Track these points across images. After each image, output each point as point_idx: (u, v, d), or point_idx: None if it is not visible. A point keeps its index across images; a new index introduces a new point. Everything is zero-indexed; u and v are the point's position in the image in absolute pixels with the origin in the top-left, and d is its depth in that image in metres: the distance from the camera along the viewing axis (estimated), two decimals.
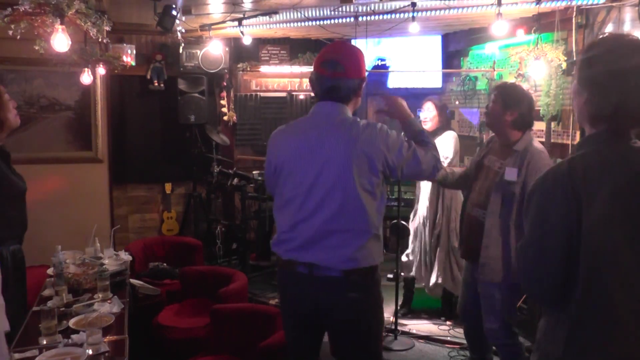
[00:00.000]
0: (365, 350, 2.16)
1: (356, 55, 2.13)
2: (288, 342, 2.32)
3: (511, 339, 2.77)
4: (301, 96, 5.93)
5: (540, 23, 3.98)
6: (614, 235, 1.29)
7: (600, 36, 1.48)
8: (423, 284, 4.14)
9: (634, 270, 1.29)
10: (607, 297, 1.30)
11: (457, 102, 5.51)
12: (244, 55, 5.68)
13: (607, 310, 1.30)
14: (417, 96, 4.32)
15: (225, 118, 5.63)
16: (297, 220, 2.08)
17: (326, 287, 2.06)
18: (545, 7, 3.75)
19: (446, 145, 3.91)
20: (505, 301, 2.72)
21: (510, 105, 2.70)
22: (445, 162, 3.90)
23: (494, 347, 3.08)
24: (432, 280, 4.03)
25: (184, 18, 4.43)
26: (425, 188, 4.07)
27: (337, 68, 2.07)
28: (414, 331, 4.02)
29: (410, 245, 4.15)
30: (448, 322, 4.15)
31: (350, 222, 2.05)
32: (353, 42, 5.45)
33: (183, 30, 4.68)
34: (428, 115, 3.98)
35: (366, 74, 2.19)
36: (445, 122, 4.06)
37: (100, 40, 3.09)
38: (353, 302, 2.08)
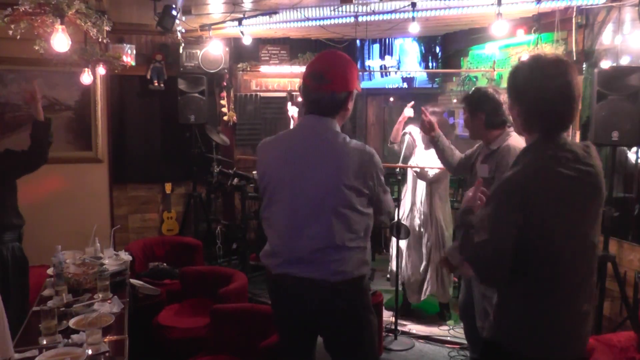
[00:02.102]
0: (360, 357, 2.18)
1: (344, 68, 2.06)
2: (282, 346, 2.33)
3: None
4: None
5: (540, 23, 3.98)
6: (555, 229, 1.57)
7: (520, 60, 1.80)
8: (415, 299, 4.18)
9: (572, 255, 1.60)
10: (551, 278, 1.60)
11: (455, 101, 5.51)
12: (244, 55, 5.68)
13: (550, 286, 1.61)
14: (417, 96, 4.32)
15: (225, 118, 5.63)
16: (285, 236, 2.08)
17: (316, 298, 2.07)
18: (545, 7, 3.75)
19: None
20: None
21: (475, 109, 2.86)
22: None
23: None
24: (425, 294, 4.11)
25: (184, 18, 4.43)
26: (415, 198, 4.13)
27: (322, 81, 2.01)
28: (414, 331, 4.03)
29: (397, 260, 4.15)
30: (448, 322, 4.16)
31: (338, 237, 2.03)
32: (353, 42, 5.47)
33: (183, 30, 4.68)
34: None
35: (358, 85, 2.13)
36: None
37: (100, 40, 3.09)
38: (343, 312, 2.09)
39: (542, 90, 1.60)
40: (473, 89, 3.12)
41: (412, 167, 4.15)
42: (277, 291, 2.21)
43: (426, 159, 4.06)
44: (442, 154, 3.22)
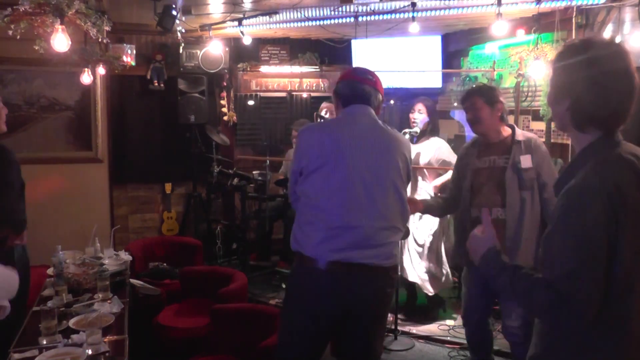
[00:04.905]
0: (381, 336, 2.34)
1: (378, 77, 2.32)
2: (292, 347, 2.21)
3: (528, 338, 2.74)
4: (304, 95, 5.92)
5: (540, 23, 3.98)
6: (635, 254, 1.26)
7: (569, 43, 1.48)
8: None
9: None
10: (626, 318, 1.30)
11: (456, 104, 5.51)
12: (244, 55, 5.68)
13: (622, 330, 1.31)
14: (417, 96, 4.32)
15: (225, 118, 5.63)
16: (345, 217, 2.06)
17: (368, 282, 2.10)
18: (545, 7, 3.75)
19: (447, 151, 4.03)
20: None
21: (495, 100, 2.84)
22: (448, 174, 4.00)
23: (497, 348, 3.09)
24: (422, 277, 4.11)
25: (183, 18, 4.43)
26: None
27: (368, 77, 2.26)
28: (414, 331, 4.02)
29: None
30: (448, 322, 4.15)
31: (394, 219, 2.14)
32: (353, 42, 5.47)
33: (183, 30, 4.68)
34: (418, 117, 4.03)
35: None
36: (434, 125, 4.09)
37: (100, 40, 3.09)
38: (387, 297, 2.21)
39: (602, 78, 1.32)
40: (479, 86, 3.11)
41: (414, 167, 4.14)
42: (315, 280, 2.09)
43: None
44: (438, 212, 3.23)
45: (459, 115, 5.54)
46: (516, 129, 2.89)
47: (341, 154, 2.09)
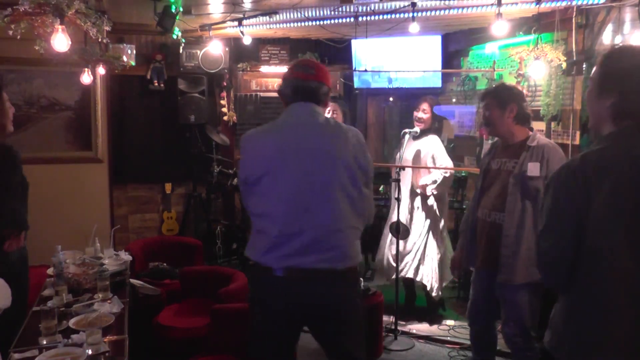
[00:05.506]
0: (351, 347, 2.17)
1: (323, 67, 2.24)
2: (261, 344, 2.20)
3: (528, 344, 2.72)
4: None
5: (540, 23, 3.98)
6: (612, 228, 1.43)
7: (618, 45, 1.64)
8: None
9: (629, 265, 1.43)
10: (602, 287, 1.46)
11: (454, 101, 5.51)
12: (244, 55, 5.68)
13: (600, 299, 1.47)
14: (417, 96, 4.34)
15: (225, 118, 5.63)
16: (287, 223, 2.01)
17: (321, 288, 2.05)
18: (545, 7, 3.75)
19: (439, 147, 4.11)
20: (527, 304, 2.67)
21: (507, 103, 2.74)
22: (447, 174, 4.06)
23: (498, 348, 3.08)
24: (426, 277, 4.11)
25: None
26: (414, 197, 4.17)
27: (310, 71, 2.16)
28: (414, 331, 4.03)
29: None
30: (448, 322, 4.16)
31: (346, 219, 2.04)
32: (353, 42, 5.47)
33: (179, 34, 4.67)
34: (423, 115, 4.11)
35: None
36: (438, 124, 4.23)
37: (100, 40, 3.08)
38: (348, 301, 2.11)
39: None
40: (494, 85, 3.05)
41: (413, 167, 4.15)
42: (269, 287, 2.10)
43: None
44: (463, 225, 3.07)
45: (459, 115, 5.54)
46: (534, 133, 2.78)
47: (283, 159, 2.03)
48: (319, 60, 5.80)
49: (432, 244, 4.13)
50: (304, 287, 2.05)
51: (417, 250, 4.12)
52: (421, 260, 4.12)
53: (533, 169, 2.65)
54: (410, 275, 4.11)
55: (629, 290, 1.43)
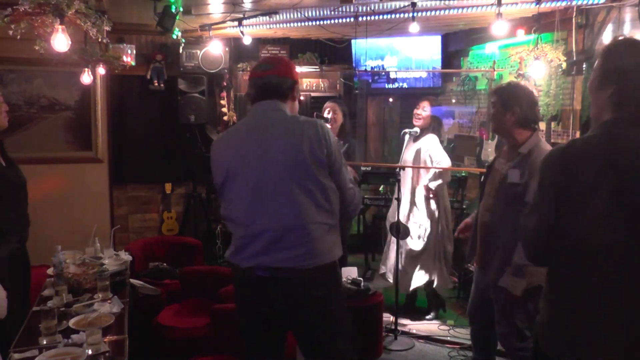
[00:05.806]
0: (332, 349, 2.14)
1: (285, 60, 2.28)
2: (249, 349, 2.25)
3: (522, 343, 2.70)
4: (301, 97, 5.93)
5: (540, 23, 3.98)
6: (593, 219, 1.49)
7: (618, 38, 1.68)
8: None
9: (608, 253, 1.49)
10: (577, 279, 1.54)
11: (454, 101, 5.51)
12: (244, 55, 5.68)
13: (573, 287, 1.55)
14: (417, 96, 4.35)
15: (225, 118, 5.63)
16: (249, 222, 2.05)
17: (289, 288, 2.03)
18: (545, 7, 3.75)
19: (436, 146, 4.12)
20: (517, 303, 2.63)
21: (510, 105, 2.64)
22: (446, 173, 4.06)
23: (498, 348, 3.07)
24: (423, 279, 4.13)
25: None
26: (415, 191, 4.18)
27: (267, 67, 2.17)
28: (414, 331, 4.03)
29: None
30: (448, 322, 4.16)
31: (310, 216, 2.01)
32: (353, 42, 5.47)
33: (179, 34, 4.67)
34: (423, 112, 4.16)
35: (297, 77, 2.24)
36: (434, 123, 4.23)
37: (100, 40, 3.08)
38: (317, 302, 2.05)
39: None
40: (506, 83, 2.96)
41: (412, 167, 4.15)
42: (244, 288, 2.15)
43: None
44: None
45: (459, 115, 5.55)
46: (533, 138, 2.63)
47: (241, 163, 2.07)
48: (319, 60, 5.82)
49: (435, 242, 4.13)
50: (271, 287, 2.05)
51: (424, 251, 4.14)
52: (431, 260, 4.15)
53: (512, 175, 2.58)
54: (421, 283, 4.15)
55: (611, 284, 1.49)
